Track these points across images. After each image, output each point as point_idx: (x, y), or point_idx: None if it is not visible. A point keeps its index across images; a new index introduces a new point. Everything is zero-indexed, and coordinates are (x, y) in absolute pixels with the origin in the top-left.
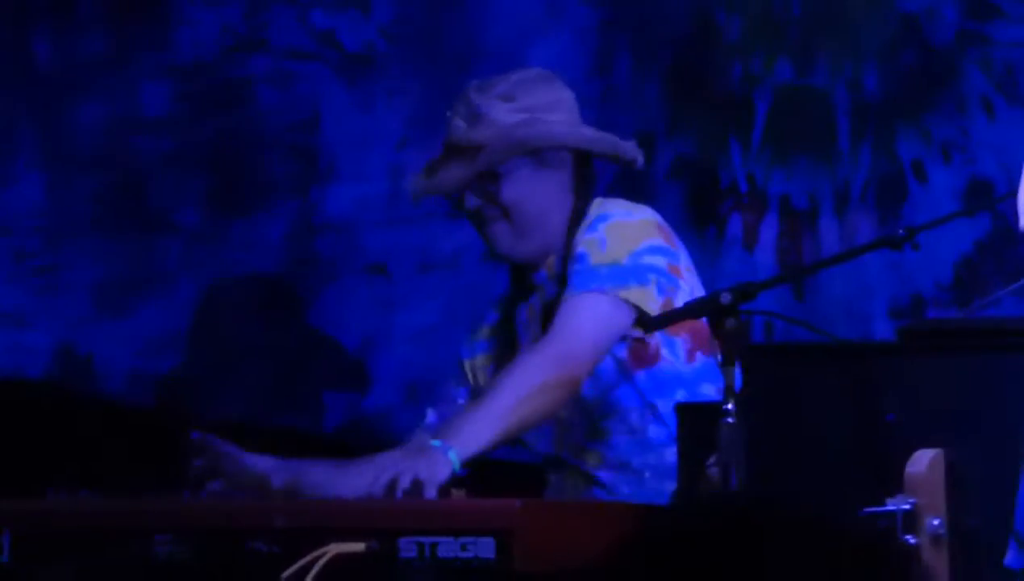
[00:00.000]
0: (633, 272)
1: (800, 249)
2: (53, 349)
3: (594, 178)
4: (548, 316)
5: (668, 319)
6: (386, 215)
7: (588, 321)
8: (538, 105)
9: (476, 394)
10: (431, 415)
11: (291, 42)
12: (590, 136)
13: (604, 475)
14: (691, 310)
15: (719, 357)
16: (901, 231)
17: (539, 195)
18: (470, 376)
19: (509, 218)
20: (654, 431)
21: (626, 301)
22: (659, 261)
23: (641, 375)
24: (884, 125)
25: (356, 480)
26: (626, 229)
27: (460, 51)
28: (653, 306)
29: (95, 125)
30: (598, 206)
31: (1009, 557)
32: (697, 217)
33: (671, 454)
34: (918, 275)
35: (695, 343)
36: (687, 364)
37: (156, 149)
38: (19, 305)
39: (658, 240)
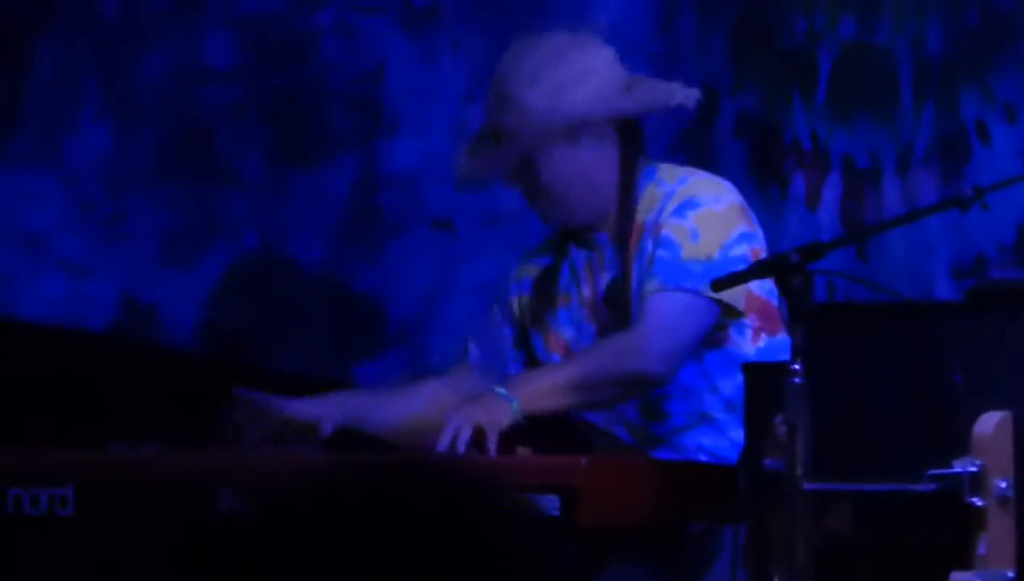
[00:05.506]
0: (725, 268)
1: (863, 209)
2: (117, 299)
3: (641, 135)
4: (617, 295)
5: (739, 278)
6: (450, 169)
7: (679, 321)
8: (565, 81)
9: (522, 331)
10: (474, 349)
11: None
12: (620, 106)
13: (658, 454)
14: (760, 269)
15: (781, 336)
16: (969, 191)
17: (578, 171)
18: (517, 312)
19: (551, 197)
20: (712, 410)
21: (718, 301)
22: (745, 250)
23: (711, 356)
24: (947, 84)
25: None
26: (716, 220)
27: (526, 5)
28: (741, 299)
29: (160, 76)
30: (667, 173)
31: None
32: (760, 175)
33: (728, 437)
34: (980, 235)
35: (761, 323)
36: (752, 345)
37: (221, 100)
38: (83, 255)
39: (744, 226)
